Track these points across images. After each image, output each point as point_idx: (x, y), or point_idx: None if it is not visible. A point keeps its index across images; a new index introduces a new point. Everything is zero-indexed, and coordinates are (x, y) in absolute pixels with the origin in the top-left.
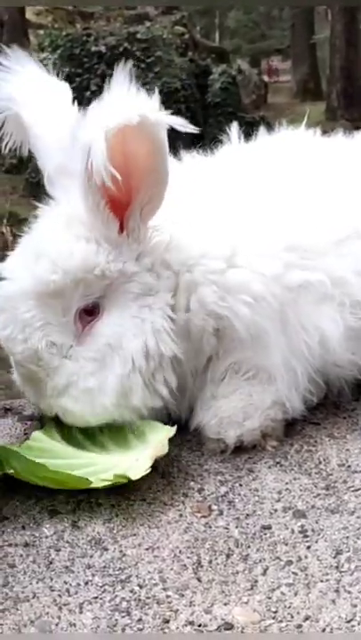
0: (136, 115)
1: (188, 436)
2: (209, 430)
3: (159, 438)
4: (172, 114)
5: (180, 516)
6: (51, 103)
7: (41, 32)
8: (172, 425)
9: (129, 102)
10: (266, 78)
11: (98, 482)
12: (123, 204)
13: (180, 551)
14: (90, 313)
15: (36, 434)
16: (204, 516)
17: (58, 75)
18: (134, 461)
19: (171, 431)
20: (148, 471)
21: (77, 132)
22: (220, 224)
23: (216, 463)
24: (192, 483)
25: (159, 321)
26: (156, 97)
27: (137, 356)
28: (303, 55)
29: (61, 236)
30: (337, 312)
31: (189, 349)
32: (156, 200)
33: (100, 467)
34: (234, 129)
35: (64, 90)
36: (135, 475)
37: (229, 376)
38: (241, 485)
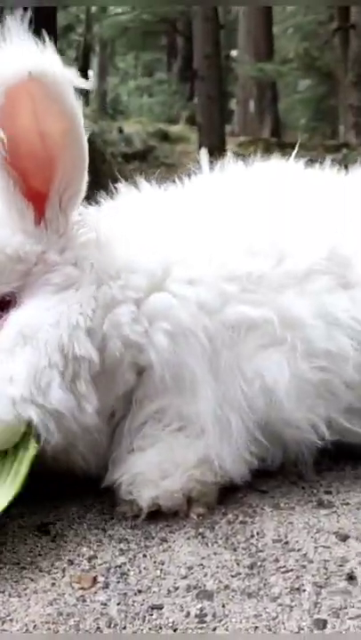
0: (27, 68)
1: (102, 496)
2: (120, 490)
3: None
4: None
5: (53, 585)
6: None
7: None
8: None
9: (22, 56)
10: None
11: None
12: (41, 194)
13: (34, 626)
14: (5, 306)
15: None
16: (83, 588)
17: None
18: None
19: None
20: None
21: None
22: (157, 240)
23: (124, 529)
24: (85, 549)
25: (74, 315)
26: (51, 48)
27: (52, 350)
28: None
29: None
30: (285, 358)
31: (101, 381)
32: (75, 186)
33: None
34: (203, 157)
35: None
36: None
37: (150, 426)
38: (145, 556)
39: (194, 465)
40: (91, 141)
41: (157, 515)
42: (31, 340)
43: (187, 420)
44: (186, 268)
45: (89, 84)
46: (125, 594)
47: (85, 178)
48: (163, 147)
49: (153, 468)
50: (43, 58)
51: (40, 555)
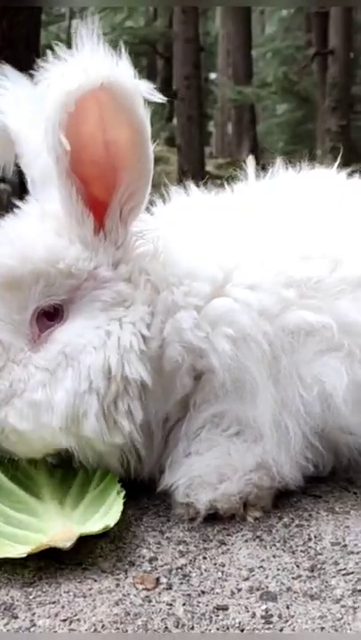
0: (100, 77)
1: (157, 499)
2: (177, 493)
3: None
4: None
5: (117, 585)
6: (38, 114)
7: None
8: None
9: (95, 65)
10: None
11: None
12: (102, 204)
13: (102, 626)
14: (51, 317)
15: None
16: (147, 589)
17: None
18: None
19: (111, 518)
20: (22, 556)
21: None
22: (216, 246)
23: (182, 531)
24: (145, 550)
25: (127, 337)
26: (126, 59)
27: (95, 374)
28: None
29: (30, 225)
30: (343, 364)
31: (158, 387)
32: (138, 199)
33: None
34: (250, 164)
35: None
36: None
37: (207, 430)
38: (205, 558)
39: (251, 469)
40: None
41: (214, 518)
42: (72, 361)
43: (245, 424)
44: (246, 274)
45: (160, 98)
46: (189, 595)
47: (148, 190)
48: None
49: (211, 471)
50: (115, 68)
51: (101, 556)
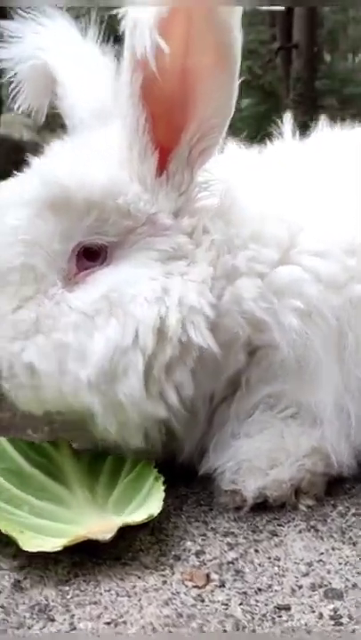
0: None
1: (197, 485)
2: (222, 478)
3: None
4: None
5: (165, 583)
6: (82, 54)
7: None
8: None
9: None
10: None
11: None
12: (166, 148)
13: (153, 629)
14: (92, 258)
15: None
16: (198, 587)
17: None
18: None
19: (154, 506)
20: (57, 550)
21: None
22: (282, 209)
23: (228, 522)
24: (189, 543)
25: (193, 297)
26: None
27: (144, 330)
28: None
29: (91, 151)
30: None
31: (210, 362)
32: (211, 140)
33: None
34: (287, 123)
35: (94, 48)
36: (26, 547)
37: (261, 411)
38: (257, 552)
39: (305, 454)
40: None
41: (262, 506)
42: (118, 310)
43: (304, 407)
44: (312, 239)
45: None
46: (245, 593)
47: (224, 131)
48: None
49: (261, 455)
50: None
51: (141, 550)
